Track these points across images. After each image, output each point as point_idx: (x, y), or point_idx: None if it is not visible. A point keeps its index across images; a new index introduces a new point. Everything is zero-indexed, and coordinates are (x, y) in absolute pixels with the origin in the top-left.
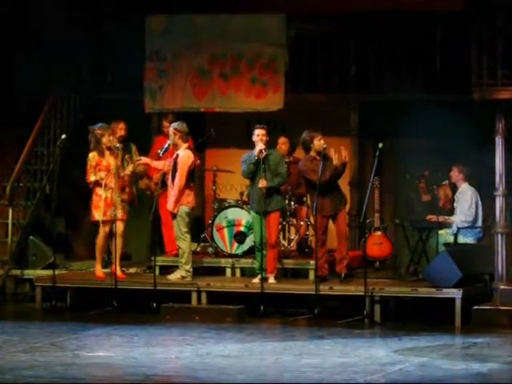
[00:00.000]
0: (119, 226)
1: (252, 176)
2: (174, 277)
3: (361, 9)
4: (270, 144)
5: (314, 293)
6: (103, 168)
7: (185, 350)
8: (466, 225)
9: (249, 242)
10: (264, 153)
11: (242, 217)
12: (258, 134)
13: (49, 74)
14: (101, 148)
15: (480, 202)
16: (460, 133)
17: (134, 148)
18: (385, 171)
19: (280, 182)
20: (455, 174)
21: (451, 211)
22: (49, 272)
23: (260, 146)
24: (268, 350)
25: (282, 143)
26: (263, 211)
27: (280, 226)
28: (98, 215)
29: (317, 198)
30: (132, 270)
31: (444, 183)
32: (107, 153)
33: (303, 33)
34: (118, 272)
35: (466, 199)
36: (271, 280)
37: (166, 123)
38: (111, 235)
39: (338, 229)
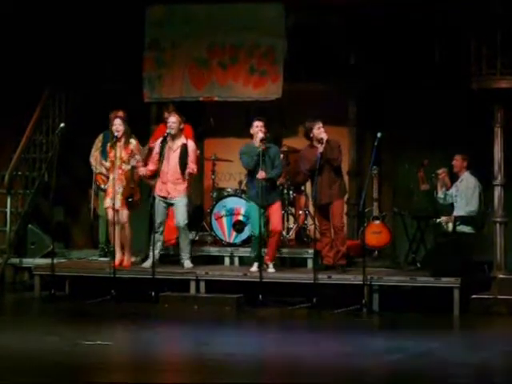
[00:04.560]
0: (122, 216)
1: (253, 167)
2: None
3: None
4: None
5: (312, 281)
6: (110, 158)
7: (183, 338)
8: (472, 214)
9: (247, 231)
10: (263, 143)
11: (241, 206)
12: (257, 126)
13: (48, 63)
14: (111, 136)
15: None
16: (458, 122)
17: (135, 142)
18: (383, 161)
19: (277, 173)
20: (459, 163)
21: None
22: (47, 261)
23: (260, 135)
24: (266, 338)
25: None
26: (264, 204)
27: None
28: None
29: (315, 185)
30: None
31: (441, 171)
32: (119, 143)
33: (302, 22)
34: (126, 261)
35: (470, 188)
36: (270, 269)
37: (166, 114)
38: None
39: (332, 219)
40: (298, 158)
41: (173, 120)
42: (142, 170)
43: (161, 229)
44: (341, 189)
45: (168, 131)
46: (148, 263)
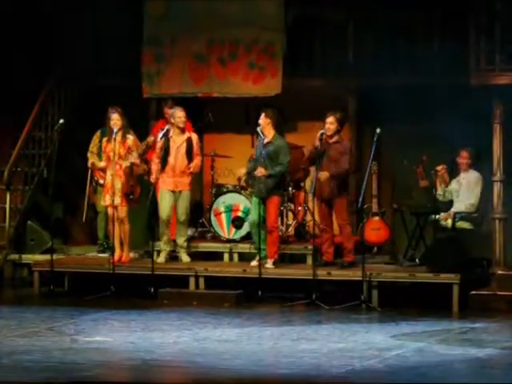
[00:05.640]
0: (120, 212)
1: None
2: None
3: None
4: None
5: (311, 278)
6: (106, 154)
7: (182, 334)
8: (472, 209)
9: (246, 227)
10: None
11: (240, 202)
12: (260, 119)
13: (47, 59)
14: (109, 131)
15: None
16: (458, 118)
17: (132, 138)
18: (382, 156)
19: (281, 171)
20: (465, 159)
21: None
22: (47, 257)
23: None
24: (266, 335)
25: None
26: (262, 197)
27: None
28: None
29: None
30: (130, 255)
31: (441, 167)
32: (117, 138)
33: (301, 17)
34: (125, 257)
35: (472, 182)
36: (269, 265)
37: (166, 109)
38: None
39: (335, 217)
40: (297, 154)
41: (182, 114)
42: (155, 174)
43: (168, 223)
44: (341, 186)
45: (179, 125)
46: (162, 258)
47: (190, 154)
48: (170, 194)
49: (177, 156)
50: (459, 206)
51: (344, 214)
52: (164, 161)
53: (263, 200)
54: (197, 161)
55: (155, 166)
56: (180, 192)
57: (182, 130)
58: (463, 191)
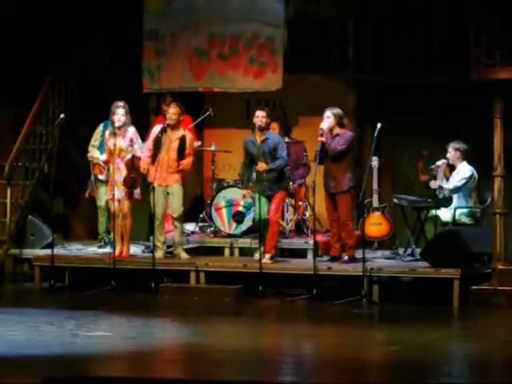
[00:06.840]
0: (122, 206)
1: (251, 160)
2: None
3: None
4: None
5: (312, 273)
6: (107, 147)
7: (183, 329)
8: (454, 191)
9: (247, 222)
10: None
11: (241, 197)
12: (258, 116)
13: (47, 54)
14: (111, 125)
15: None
16: (458, 113)
17: (133, 129)
18: (383, 151)
19: (281, 164)
20: (452, 154)
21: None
22: (47, 252)
23: (257, 126)
24: (266, 329)
25: (273, 129)
26: (267, 194)
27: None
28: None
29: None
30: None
31: (441, 162)
32: (119, 132)
33: (302, 12)
34: (125, 252)
35: (465, 177)
36: (266, 260)
37: (164, 107)
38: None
39: (338, 212)
40: (298, 148)
41: (172, 111)
42: (144, 164)
43: (162, 218)
44: (344, 182)
45: (167, 122)
46: (160, 253)
47: (181, 152)
48: (161, 189)
49: (168, 152)
50: (457, 201)
51: (347, 210)
52: (156, 156)
53: (269, 197)
54: (188, 160)
55: (143, 154)
56: (170, 188)
57: (175, 127)
58: (458, 187)
